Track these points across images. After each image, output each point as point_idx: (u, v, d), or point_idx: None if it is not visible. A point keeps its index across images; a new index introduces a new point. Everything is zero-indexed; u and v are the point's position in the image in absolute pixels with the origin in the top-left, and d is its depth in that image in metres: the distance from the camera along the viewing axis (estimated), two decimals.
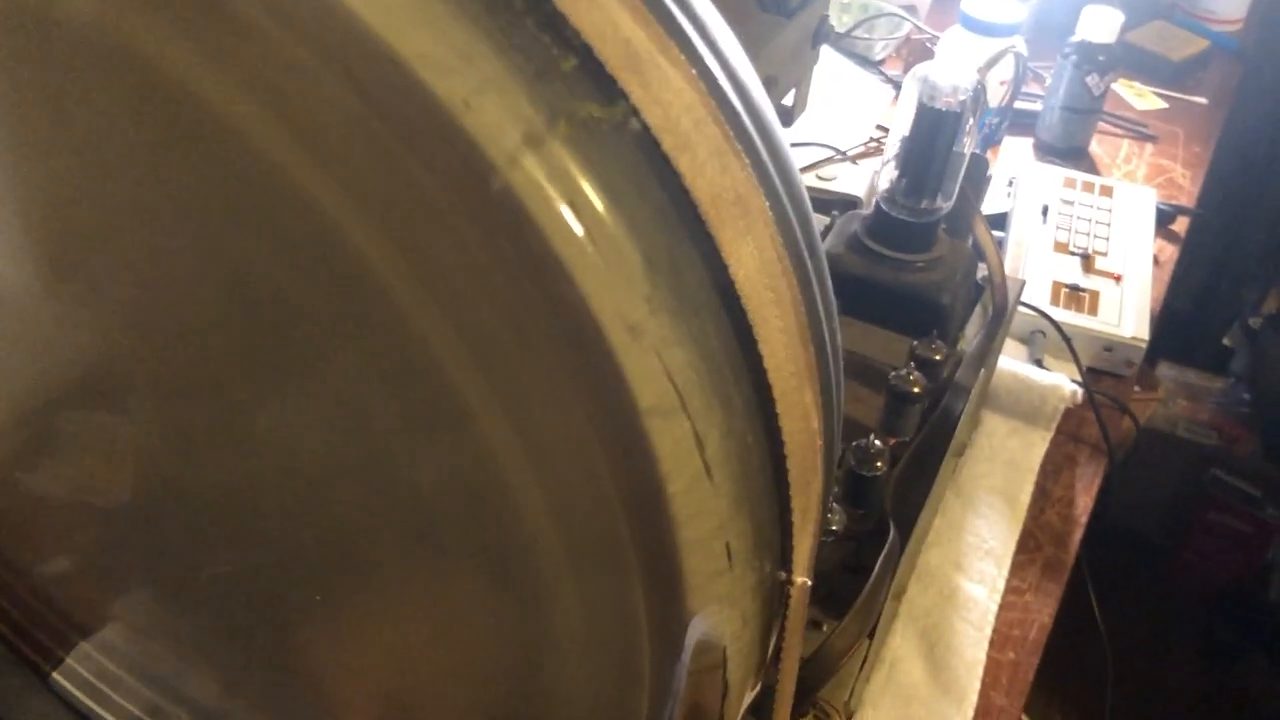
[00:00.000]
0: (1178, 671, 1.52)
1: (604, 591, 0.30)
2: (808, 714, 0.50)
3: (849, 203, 0.87)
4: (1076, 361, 0.80)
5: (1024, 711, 0.63)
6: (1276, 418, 1.54)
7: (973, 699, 0.61)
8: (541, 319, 0.25)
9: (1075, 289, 0.85)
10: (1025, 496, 0.73)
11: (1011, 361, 0.79)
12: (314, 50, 0.24)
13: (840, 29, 1.15)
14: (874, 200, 0.65)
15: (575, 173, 0.24)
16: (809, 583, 0.31)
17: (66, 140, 0.30)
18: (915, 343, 0.59)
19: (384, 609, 0.38)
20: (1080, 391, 0.77)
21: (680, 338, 0.25)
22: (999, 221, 0.94)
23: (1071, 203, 0.93)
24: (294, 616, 0.41)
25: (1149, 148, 1.13)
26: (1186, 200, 1.06)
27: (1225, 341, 1.69)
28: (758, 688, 0.34)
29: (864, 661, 0.55)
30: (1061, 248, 0.89)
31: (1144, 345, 0.82)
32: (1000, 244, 0.91)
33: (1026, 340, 0.83)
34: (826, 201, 0.77)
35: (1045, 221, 0.91)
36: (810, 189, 0.90)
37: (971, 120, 0.63)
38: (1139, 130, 1.15)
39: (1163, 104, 1.20)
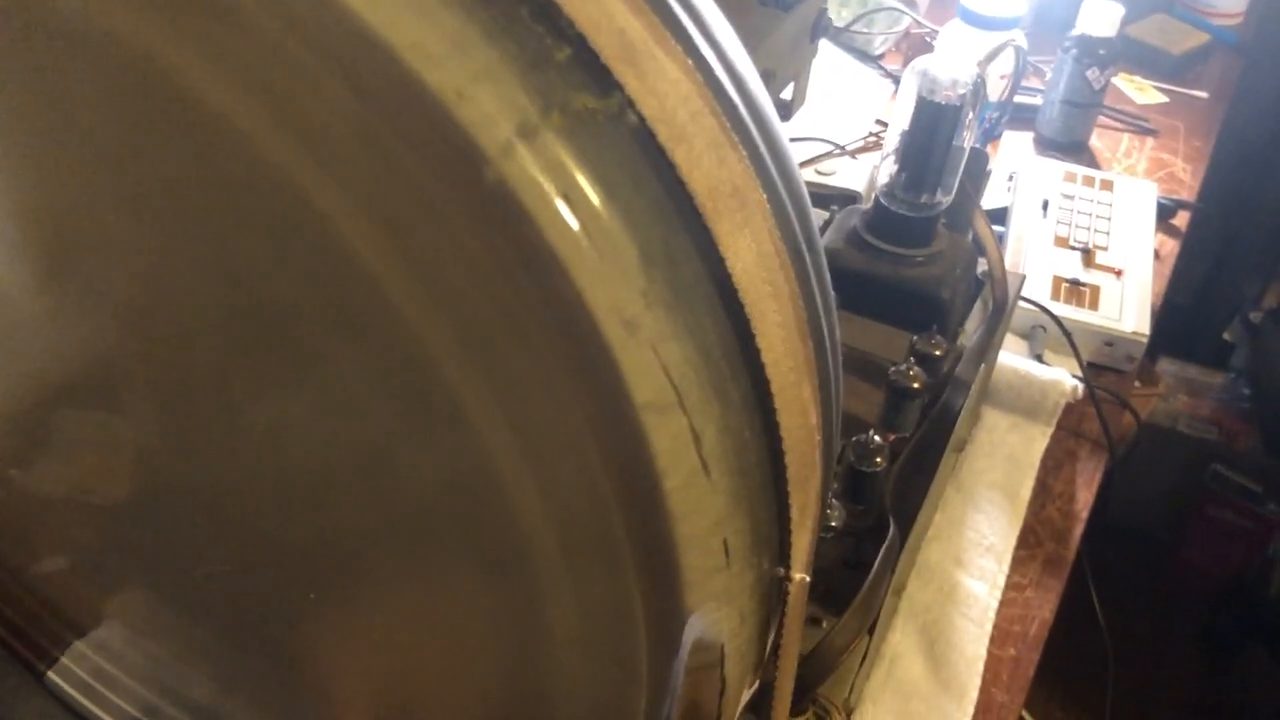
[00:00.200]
0: (1178, 667, 1.52)
1: (601, 589, 0.30)
2: (807, 710, 0.50)
3: (848, 197, 0.86)
4: (1077, 356, 0.80)
5: (1024, 707, 0.63)
6: (1277, 413, 1.54)
7: (973, 695, 0.61)
8: (536, 313, 0.25)
9: (1076, 284, 0.85)
10: (1026, 492, 0.73)
11: (1012, 356, 0.78)
12: (307, 43, 0.23)
13: (839, 23, 1.15)
14: (873, 195, 0.65)
15: (570, 164, 0.24)
16: (807, 579, 0.31)
17: (61, 137, 0.30)
18: (915, 338, 0.59)
19: (381, 608, 0.37)
20: (1081, 386, 0.77)
21: (677, 332, 0.25)
22: (999, 216, 0.94)
23: (1072, 197, 0.93)
24: (290, 616, 0.40)
25: (1149, 142, 1.13)
26: (1187, 194, 1.05)
27: (1226, 336, 1.69)
28: (756, 685, 0.34)
29: (864, 658, 0.55)
30: (1062, 242, 0.89)
31: (1144, 340, 0.82)
32: (1000, 239, 0.91)
33: (1027, 335, 0.83)
34: (826, 196, 0.76)
35: (1045, 216, 0.91)
36: (809, 184, 0.90)
37: (971, 114, 0.63)
38: (1139, 124, 1.14)
39: (1163, 98, 1.20)
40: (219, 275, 0.30)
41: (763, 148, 0.28)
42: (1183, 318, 1.62)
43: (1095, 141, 1.10)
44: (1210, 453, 1.50)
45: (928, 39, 1.19)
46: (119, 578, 0.46)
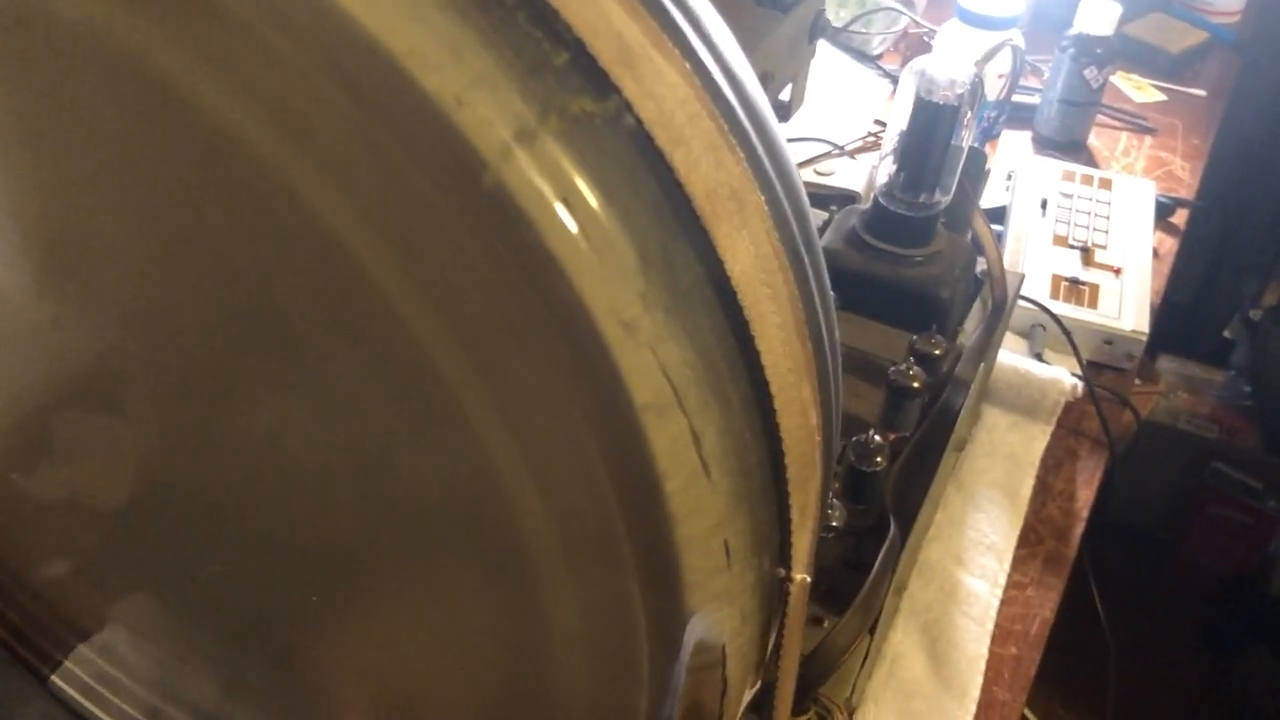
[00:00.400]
0: (1179, 664, 1.52)
1: (602, 589, 0.30)
2: (809, 710, 0.50)
3: (847, 197, 0.86)
4: (1076, 355, 0.80)
5: (1026, 705, 0.63)
6: (1277, 410, 1.54)
7: (975, 694, 0.61)
8: (536, 316, 0.25)
9: (1075, 282, 0.85)
10: (1026, 491, 0.73)
11: (1011, 355, 0.79)
12: (307, 50, 0.23)
13: (838, 23, 1.15)
14: (872, 195, 0.65)
15: (568, 168, 0.24)
16: (808, 579, 0.31)
17: (61, 141, 0.30)
18: (914, 338, 0.59)
19: (382, 610, 0.38)
20: (1080, 385, 0.77)
21: (675, 334, 0.25)
22: (998, 215, 0.94)
23: (1070, 196, 0.93)
24: (292, 618, 0.40)
25: (1148, 140, 1.13)
26: (1186, 192, 1.05)
27: (1226, 334, 1.69)
28: (758, 685, 0.34)
29: (865, 657, 0.55)
30: (1061, 241, 0.89)
31: (1144, 338, 0.82)
32: (999, 238, 0.91)
33: (1026, 334, 0.83)
34: (825, 196, 0.76)
35: (1044, 215, 0.91)
36: (808, 184, 0.90)
37: (969, 114, 0.63)
38: (1138, 123, 1.14)
39: (1161, 96, 1.20)
40: (220, 278, 0.30)
41: (761, 150, 0.28)
42: (1183, 315, 1.62)
43: (1094, 140, 1.10)
44: (1211, 450, 1.50)
45: (926, 39, 1.19)
46: (121, 581, 0.46)
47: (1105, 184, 0.95)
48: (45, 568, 0.49)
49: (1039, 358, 0.81)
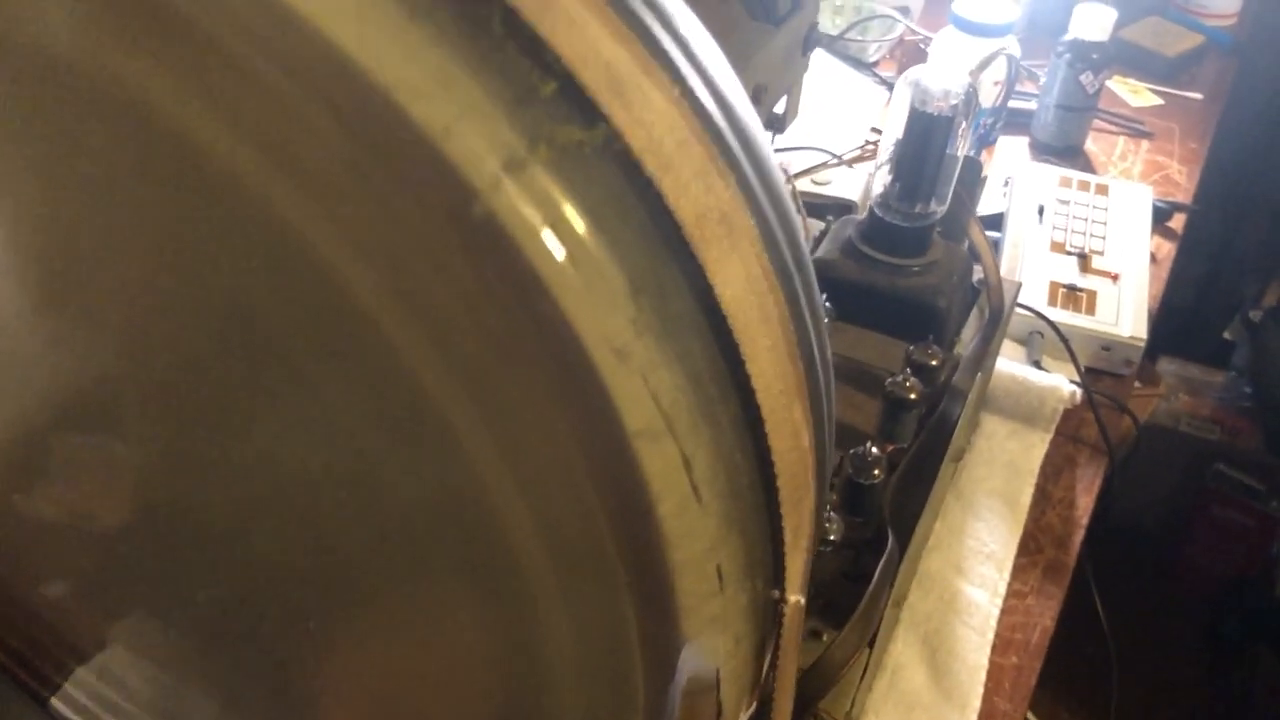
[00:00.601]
0: (1182, 667, 1.52)
1: (596, 613, 0.30)
2: None
3: (844, 207, 0.87)
4: (1075, 362, 0.80)
5: (1029, 709, 0.63)
6: (1278, 411, 1.54)
7: (976, 704, 0.61)
8: (527, 343, 0.25)
9: (1072, 289, 0.85)
10: (1025, 499, 0.73)
11: (1010, 363, 0.79)
12: (297, 81, 0.23)
13: (833, 31, 1.15)
14: (868, 205, 0.65)
15: (557, 197, 0.24)
16: (802, 601, 0.31)
17: (55, 169, 0.30)
18: (911, 348, 0.59)
19: (377, 630, 0.38)
20: (1079, 392, 0.77)
21: (667, 360, 0.25)
22: (995, 222, 0.94)
23: (1067, 202, 0.93)
24: (288, 639, 0.40)
25: (1144, 145, 1.13)
26: (1183, 197, 1.05)
27: (1226, 335, 1.69)
28: (754, 706, 0.34)
29: (865, 670, 0.55)
30: (1058, 247, 0.89)
31: (1142, 344, 0.82)
32: (996, 244, 0.91)
33: (1024, 341, 0.83)
34: (821, 206, 0.77)
35: (1041, 221, 0.91)
36: (805, 194, 0.90)
37: (964, 124, 0.63)
38: (1134, 127, 1.14)
39: (1158, 100, 1.20)
40: (212, 305, 0.30)
41: (750, 172, 0.28)
42: (1183, 317, 1.62)
43: (1090, 145, 1.11)
44: (1212, 452, 1.50)
45: (922, 45, 1.19)
46: (119, 602, 0.46)
47: (1102, 189, 0.95)
48: (44, 590, 0.49)
49: (1037, 365, 0.81)
